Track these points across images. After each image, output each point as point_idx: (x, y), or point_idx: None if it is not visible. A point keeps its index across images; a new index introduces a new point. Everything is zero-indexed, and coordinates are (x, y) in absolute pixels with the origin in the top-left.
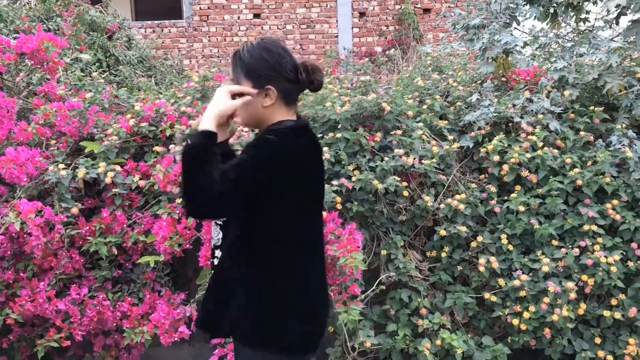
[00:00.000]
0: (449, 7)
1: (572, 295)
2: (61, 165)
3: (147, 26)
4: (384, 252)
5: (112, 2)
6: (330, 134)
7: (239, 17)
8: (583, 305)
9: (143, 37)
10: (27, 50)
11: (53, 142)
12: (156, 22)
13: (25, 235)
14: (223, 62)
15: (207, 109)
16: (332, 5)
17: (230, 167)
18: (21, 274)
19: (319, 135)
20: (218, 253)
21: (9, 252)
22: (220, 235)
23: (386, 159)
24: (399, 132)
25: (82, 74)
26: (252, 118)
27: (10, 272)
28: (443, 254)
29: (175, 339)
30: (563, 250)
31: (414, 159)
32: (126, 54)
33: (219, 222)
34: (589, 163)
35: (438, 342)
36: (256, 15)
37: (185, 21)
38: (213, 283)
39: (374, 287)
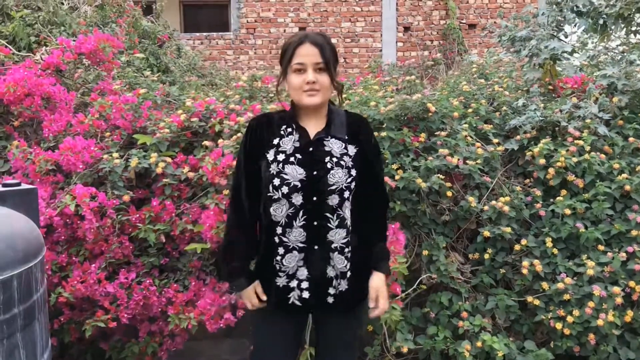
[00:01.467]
0: (494, 22)
1: (619, 300)
2: (115, 155)
3: (195, 38)
4: (425, 252)
5: (162, 14)
6: (375, 134)
7: (284, 30)
8: (630, 313)
9: (191, 48)
10: (86, 50)
11: (107, 134)
12: (204, 34)
13: (78, 222)
14: (268, 73)
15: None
16: (377, 20)
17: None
18: (73, 258)
19: None
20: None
21: (63, 237)
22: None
23: (430, 158)
24: (444, 133)
25: (135, 74)
26: (328, 97)
27: (63, 256)
28: (486, 256)
29: (221, 325)
30: (609, 255)
31: (459, 159)
32: (176, 62)
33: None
34: (638, 169)
35: (479, 344)
36: (302, 29)
37: (232, 33)
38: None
39: (414, 287)
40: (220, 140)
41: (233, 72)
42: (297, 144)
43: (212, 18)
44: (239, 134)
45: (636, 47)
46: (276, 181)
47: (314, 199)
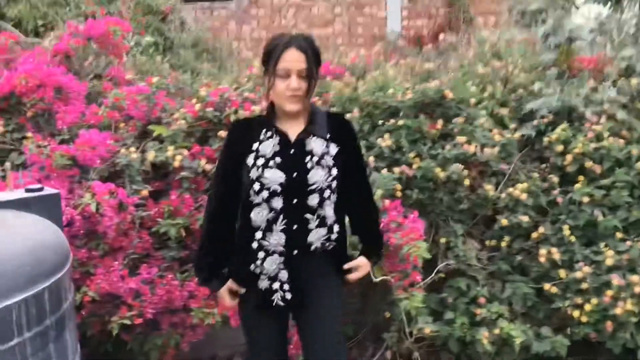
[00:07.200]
0: None
1: (637, 289)
2: (132, 149)
3: (197, 8)
4: (442, 240)
5: None
6: (392, 121)
7: (287, 1)
8: None
9: (193, 20)
10: (95, 34)
11: (122, 125)
12: (206, 3)
13: (97, 215)
14: None
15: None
16: None
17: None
18: (93, 253)
19: (380, 122)
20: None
21: (81, 231)
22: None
23: (447, 147)
24: (461, 119)
25: (143, 57)
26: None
27: (83, 251)
28: (503, 244)
29: None
30: (628, 243)
31: (476, 147)
32: (180, 37)
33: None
34: None
35: (496, 331)
36: None
37: (234, 3)
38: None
39: (432, 275)
40: None
41: (235, 43)
42: (277, 148)
43: None
44: None
45: None
46: (256, 186)
47: (295, 201)
